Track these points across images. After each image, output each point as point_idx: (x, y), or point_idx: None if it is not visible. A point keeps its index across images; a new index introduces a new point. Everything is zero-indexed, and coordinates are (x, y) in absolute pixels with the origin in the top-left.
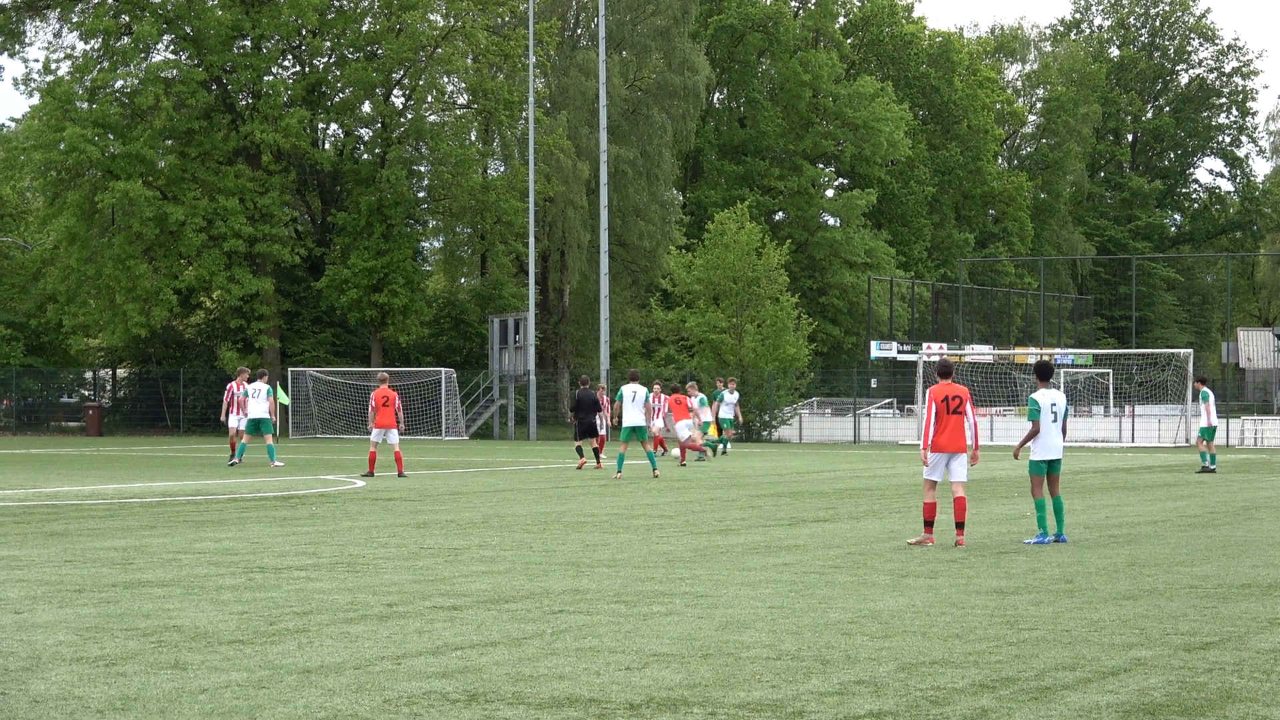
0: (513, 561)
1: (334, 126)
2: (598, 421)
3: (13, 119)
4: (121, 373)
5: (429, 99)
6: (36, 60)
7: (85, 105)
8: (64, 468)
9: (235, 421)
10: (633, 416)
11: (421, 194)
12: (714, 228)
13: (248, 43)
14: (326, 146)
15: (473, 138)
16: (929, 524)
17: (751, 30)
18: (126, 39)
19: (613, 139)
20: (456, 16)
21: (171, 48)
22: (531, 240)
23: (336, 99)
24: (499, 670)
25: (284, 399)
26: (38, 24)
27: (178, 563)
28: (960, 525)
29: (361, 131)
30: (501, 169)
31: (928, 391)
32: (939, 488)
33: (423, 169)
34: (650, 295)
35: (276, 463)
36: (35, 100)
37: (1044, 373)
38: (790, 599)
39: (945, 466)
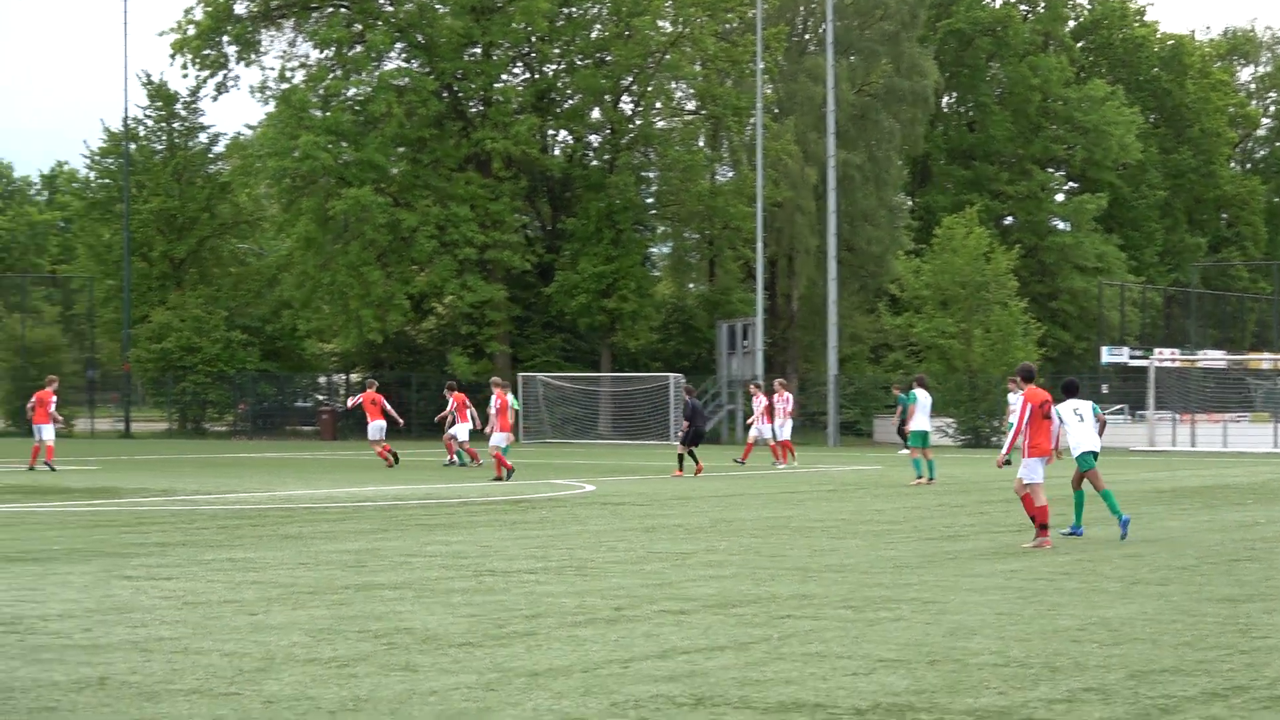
0: (740, 566)
1: (563, 133)
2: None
3: (249, 126)
4: (355, 377)
5: (657, 105)
6: (272, 69)
7: (319, 113)
8: (298, 471)
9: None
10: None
11: (650, 200)
12: (942, 232)
13: (478, 50)
14: (556, 153)
15: (701, 143)
16: (1045, 527)
17: (980, 34)
18: (359, 47)
19: (841, 144)
20: (685, 23)
21: (403, 55)
22: (760, 245)
23: (566, 105)
24: (725, 675)
25: (515, 404)
26: (273, 33)
27: (409, 565)
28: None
29: (591, 138)
30: (729, 174)
31: (1022, 395)
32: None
33: (651, 175)
34: (878, 300)
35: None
36: (271, 108)
37: (1069, 389)
38: (1018, 605)
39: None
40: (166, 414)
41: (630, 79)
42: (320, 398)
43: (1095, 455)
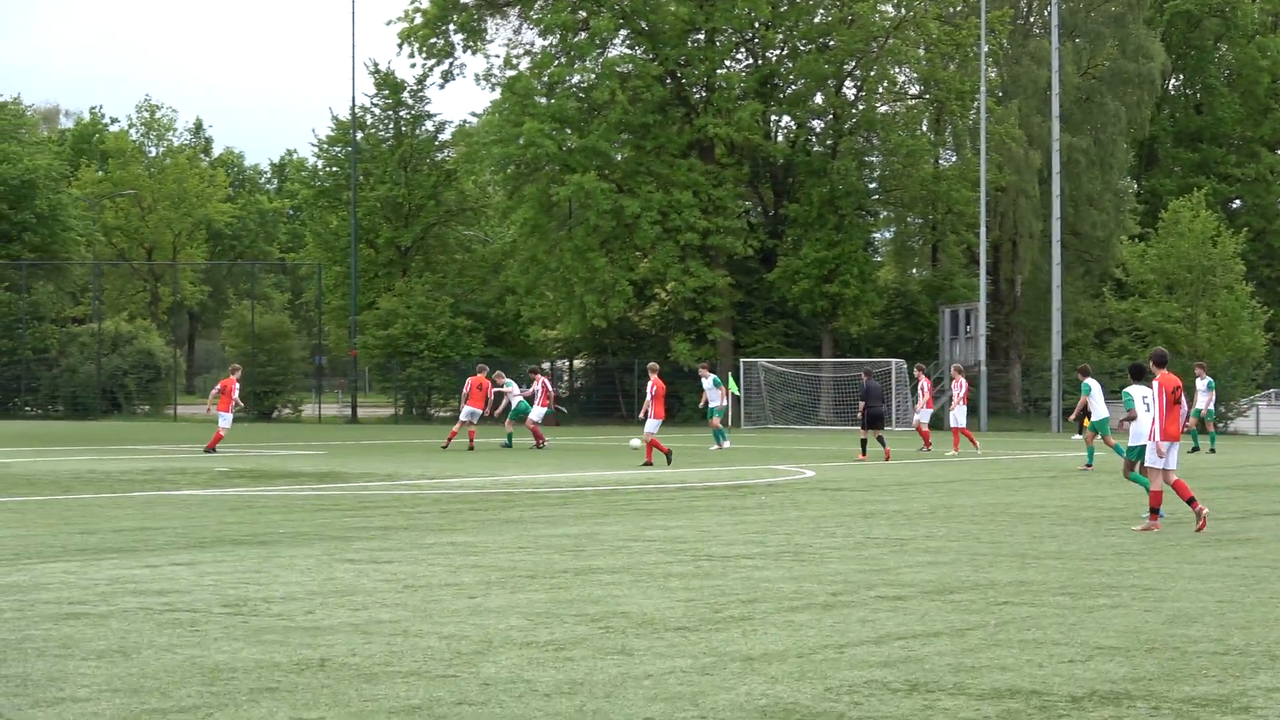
0: (958, 552)
1: (786, 118)
2: (885, 412)
3: (474, 114)
4: (578, 363)
5: (880, 89)
6: (497, 56)
7: (543, 100)
8: (520, 457)
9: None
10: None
11: (873, 185)
12: (1168, 216)
13: (701, 36)
14: (779, 138)
15: (924, 128)
16: (1157, 511)
17: (1208, 15)
18: (583, 34)
19: (1065, 127)
20: (908, 7)
21: (627, 43)
22: (983, 230)
23: (789, 91)
24: (941, 661)
25: (735, 390)
26: (498, 21)
27: (627, 550)
28: (1193, 500)
29: (813, 123)
30: (953, 159)
31: (1155, 382)
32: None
33: (874, 160)
34: (1103, 285)
35: None
36: (495, 96)
37: (1136, 373)
38: (1240, 593)
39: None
40: (392, 400)
41: (853, 64)
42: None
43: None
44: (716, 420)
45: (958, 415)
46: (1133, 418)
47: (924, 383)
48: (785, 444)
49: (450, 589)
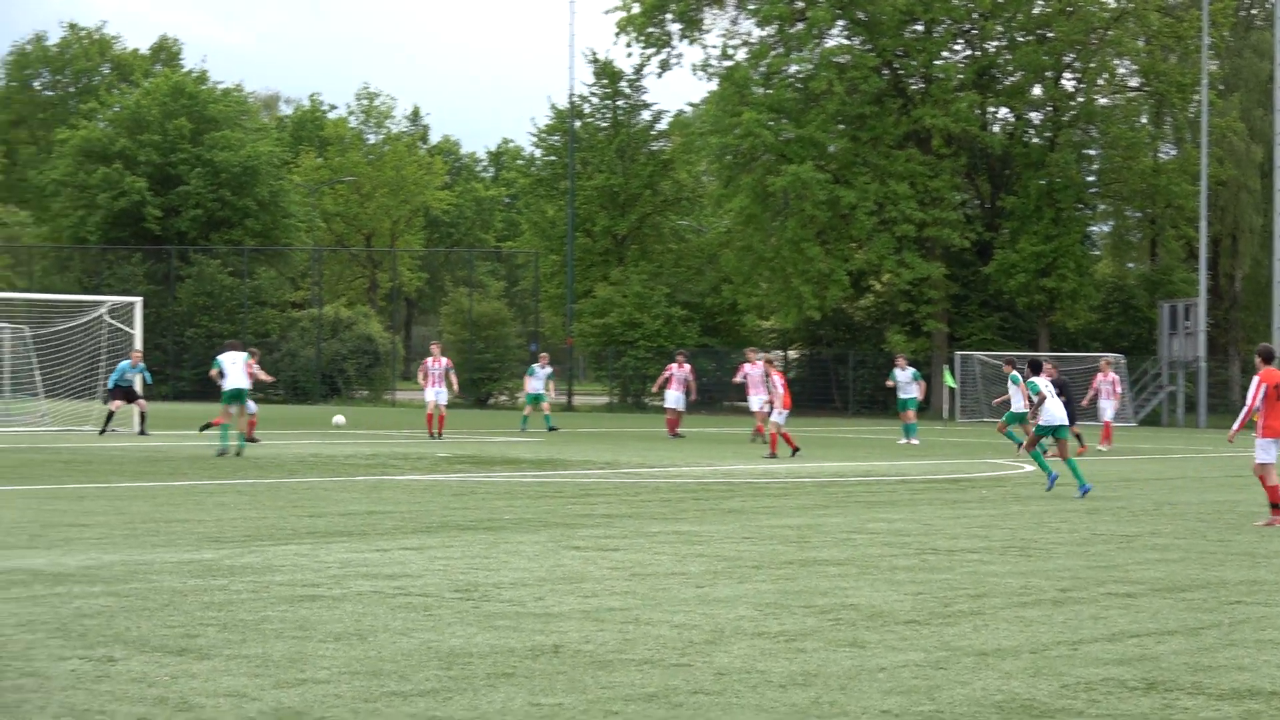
0: (1186, 550)
1: (1003, 110)
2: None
3: (691, 104)
4: (793, 354)
5: (1100, 81)
6: (714, 47)
7: (760, 90)
8: (736, 446)
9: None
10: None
11: (1091, 178)
12: None
13: (920, 27)
14: (996, 130)
15: (1143, 120)
16: (1277, 506)
17: None
18: (801, 25)
19: None
20: None
21: (845, 33)
22: (1203, 225)
23: (1006, 82)
24: (1176, 660)
25: (951, 382)
26: (715, 11)
27: (851, 542)
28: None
29: (1031, 115)
30: (1172, 152)
31: (1256, 376)
32: None
33: (1093, 152)
34: None
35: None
36: (712, 86)
37: (1035, 367)
38: None
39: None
40: (607, 388)
41: (1072, 55)
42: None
43: (1064, 428)
44: (911, 414)
45: (1106, 409)
46: (1043, 399)
47: (1107, 375)
48: (1002, 438)
49: (678, 578)
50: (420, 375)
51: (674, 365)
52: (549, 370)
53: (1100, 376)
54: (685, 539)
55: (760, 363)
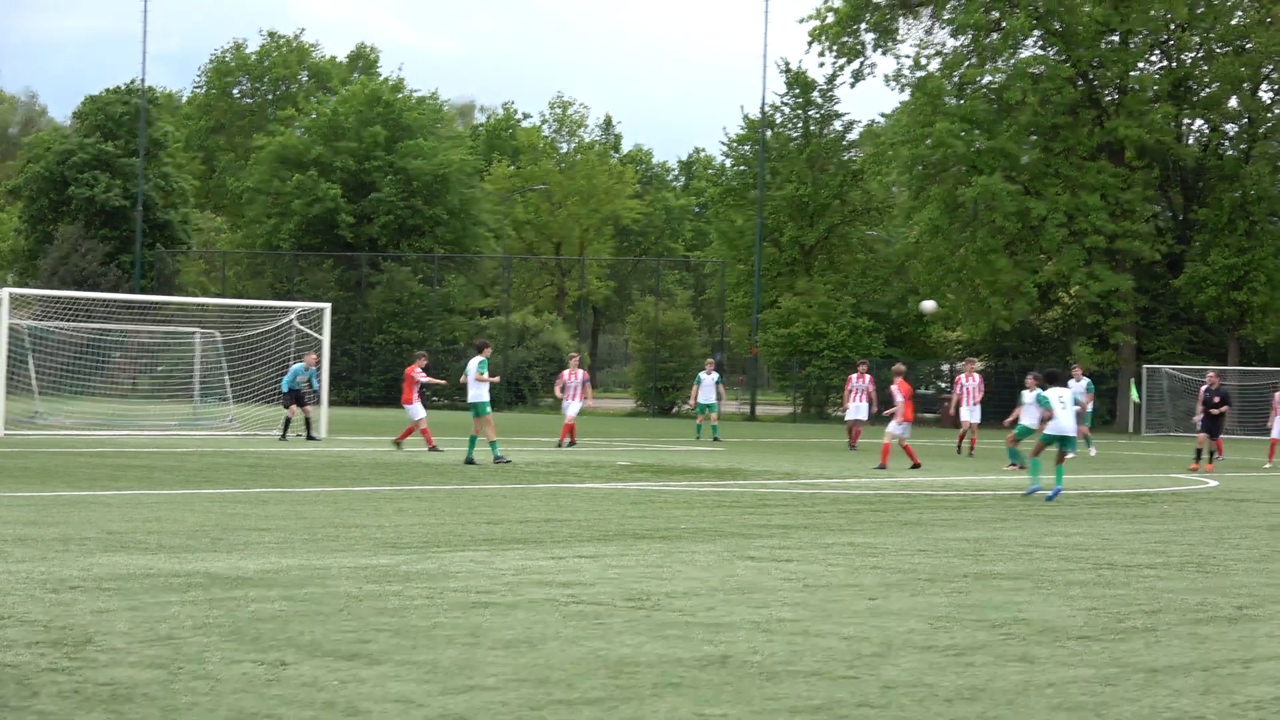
0: None
1: (1199, 122)
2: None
3: (883, 114)
4: (978, 365)
5: None
6: (908, 57)
7: (953, 101)
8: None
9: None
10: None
11: None
12: None
13: (1116, 38)
14: (1190, 142)
15: None
16: None
17: None
18: (996, 35)
19: None
20: None
21: (1040, 43)
22: None
23: (1203, 94)
24: None
25: (1136, 397)
26: (910, 21)
27: (1028, 556)
28: None
29: (1226, 126)
30: None
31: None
32: None
33: None
34: None
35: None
36: (905, 96)
37: (1052, 378)
38: None
39: None
40: (791, 398)
41: (1271, 67)
42: (941, 385)
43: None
44: (1083, 427)
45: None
46: (1049, 417)
47: None
48: (1187, 452)
49: (850, 589)
50: (558, 387)
51: (854, 376)
52: (716, 376)
53: (1278, 395)
54: (860, 550)
55: (970, 371)
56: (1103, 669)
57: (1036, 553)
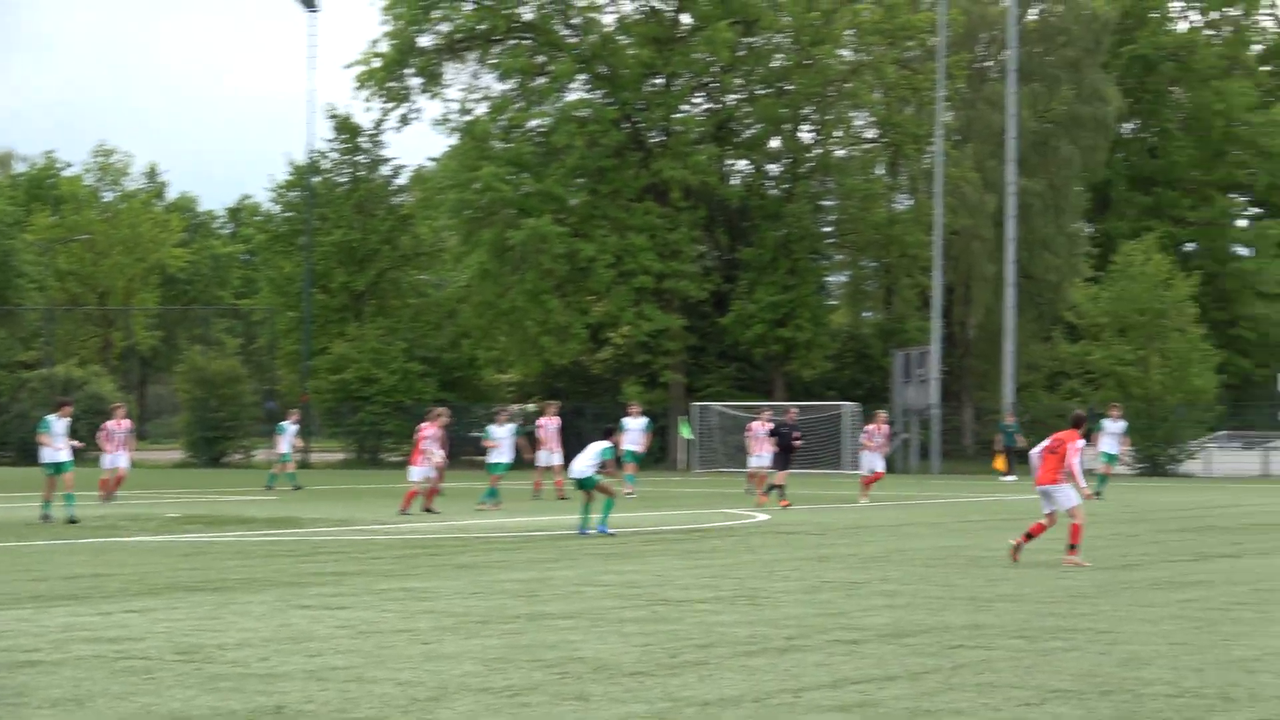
0: (912, 596)
1: (742, 162)
2: None
3: (431, 159)
4: (530, 407)
5: (837, 133)
6: (454, 101)
7: (500, 144)
8: (471, 501)
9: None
10: None
11: (827, 228)
12: (1121, 259)
13: (660, 80)
14: (735, 182)
15: (879, 171)
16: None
17: (1165, 59)
18: (542, 79)
19: (1020, 171)
20: (866, 51)
21: (587, 86)
22: (937, 273)
23: (745, 135)
24: (897, 704)
25: (688, 434)
26: (456, 66)
27: (581, 595)
28: None
29: (769, 166)
30: (908, 202)
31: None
32: None
33: (829, 203)
34: (1054, 328)
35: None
36: (453, 140)
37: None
38: (1193, 635)
39: None
40: (344, 444)
41: (810, 108)
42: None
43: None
44: (631, 466)
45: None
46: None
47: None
48: (737, 487)
49: (404, 635)
50: (102, 437)
51: (426, 425)
52: (296, 428)
53: (874, 428)
54: (414, 595)
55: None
56: (656, 704)
57: (590, 591)
